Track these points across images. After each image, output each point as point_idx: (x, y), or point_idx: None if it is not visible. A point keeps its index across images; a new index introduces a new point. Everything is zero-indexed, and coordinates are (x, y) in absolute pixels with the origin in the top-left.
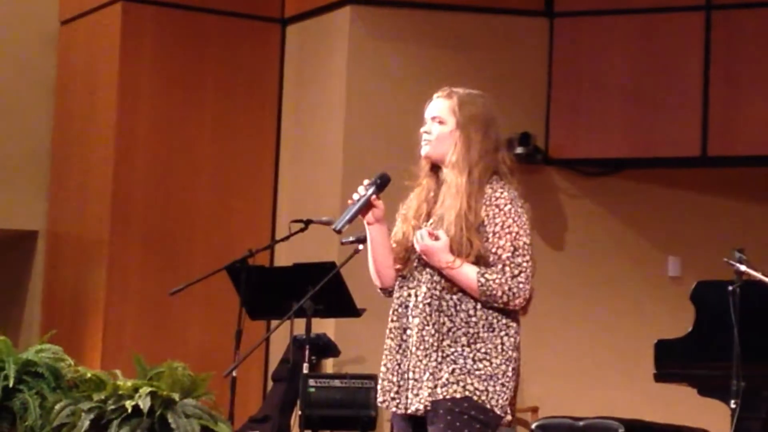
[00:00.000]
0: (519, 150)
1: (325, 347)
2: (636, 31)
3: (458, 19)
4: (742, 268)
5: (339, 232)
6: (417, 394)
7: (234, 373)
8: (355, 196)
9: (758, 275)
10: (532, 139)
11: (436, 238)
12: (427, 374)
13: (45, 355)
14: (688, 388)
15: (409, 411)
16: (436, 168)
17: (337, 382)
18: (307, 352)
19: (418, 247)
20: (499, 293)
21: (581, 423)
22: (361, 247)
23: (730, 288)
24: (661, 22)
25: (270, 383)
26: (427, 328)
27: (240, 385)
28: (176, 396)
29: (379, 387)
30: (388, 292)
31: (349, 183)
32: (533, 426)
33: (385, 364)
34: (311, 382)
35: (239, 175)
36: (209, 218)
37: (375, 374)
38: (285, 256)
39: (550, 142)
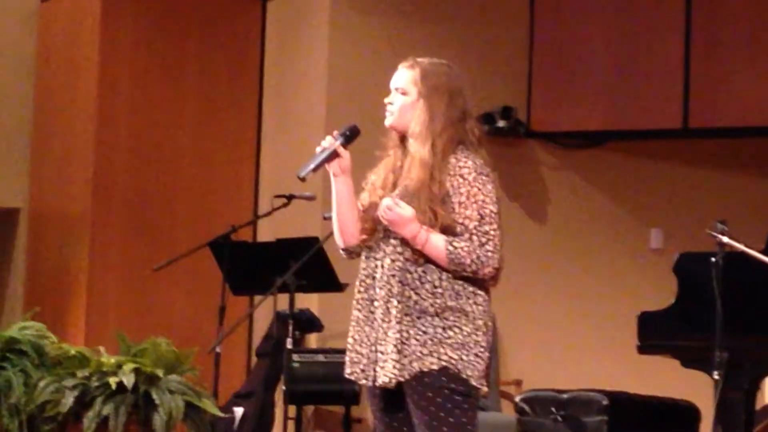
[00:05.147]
0: (500, 123)
1: (308, 322)
2: (617, 4)
3: None
4: (725, 239)
5: (303, 179)
6: (383, 367)
7: (218, 349)
8: (324, 144)
9: (740, 246)
10: (514, 112)
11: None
12: (391, 347)
13: (28, 332)
14: (672, 359)
15: (377, 383)
16: (404, 138)
17: (320, 357)
18: (290, 328)
19: (383, 218)
20: (468, 261)
21: (565, 395)
22: None
23: (713, 260)
24: None
25: (254, 359)
26: (392, 300)
27: (224, 361)
28: (160, 372)
29: (347, 359)
30: (349, 252)
31: None
32: (517, 399)
33: (352, 336)
34: (295, 357)
35: (221, 151)
36: (192, 194)
37: None
38: (268, 232)
39: (532, 115)
